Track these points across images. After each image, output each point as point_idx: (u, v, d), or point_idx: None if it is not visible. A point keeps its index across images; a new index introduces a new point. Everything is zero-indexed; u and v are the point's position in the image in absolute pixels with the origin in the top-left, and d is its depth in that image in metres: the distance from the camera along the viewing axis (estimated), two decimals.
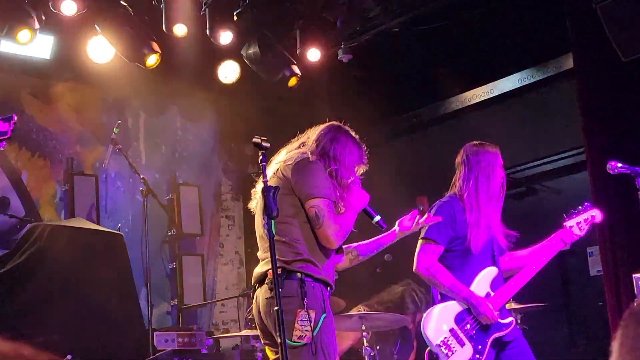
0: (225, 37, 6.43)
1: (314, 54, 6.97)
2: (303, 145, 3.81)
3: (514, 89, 6.87)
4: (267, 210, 3.36)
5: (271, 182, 3.58)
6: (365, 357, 4.84)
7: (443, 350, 4.08)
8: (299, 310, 3.44)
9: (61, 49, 6.90)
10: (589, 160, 5.91)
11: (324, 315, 3.51)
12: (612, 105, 5.98)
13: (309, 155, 3.71)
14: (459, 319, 4.16)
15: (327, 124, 3.93)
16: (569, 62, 6.33)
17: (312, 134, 3.86)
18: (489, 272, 4.23)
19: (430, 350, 4.14)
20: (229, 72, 7.33)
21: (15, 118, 3.80)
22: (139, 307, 6.33)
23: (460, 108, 7.28)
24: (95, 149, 7.59)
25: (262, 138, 3.59)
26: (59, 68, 7.22)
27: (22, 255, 5.62)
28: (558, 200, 6.94)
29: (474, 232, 4.22)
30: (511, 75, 6.86)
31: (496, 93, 7.00)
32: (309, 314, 3.43)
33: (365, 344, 4.90)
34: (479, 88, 7.13)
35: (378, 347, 5.38)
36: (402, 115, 7.84)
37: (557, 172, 6.91)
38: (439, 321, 4.16)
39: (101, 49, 6.60)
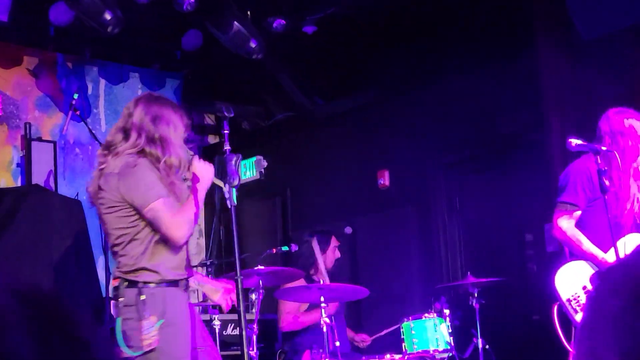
0: (188, 3, 6.36)
1: (278, 25, 6.92)
2: (124, 138, 3.62)
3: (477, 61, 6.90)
4: (229, 178, 3.36)
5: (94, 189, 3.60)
6: (324, 327, 4.86)
7: (572, 305, 4.16)
8: (142, 321, 3.41)
9: (20, 11, 6.76)
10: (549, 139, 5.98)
11: (162, 321, 3.44)
12: (572, 83, 6.04)
13: (130, 157, 3.56)
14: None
15: (140, 101, 3.71)
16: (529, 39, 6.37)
17: (133, 116, 3.63)
18: (633, 238, 4.29)
19: (559, 305, 4.19)
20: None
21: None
22: (97, 275, 6.29)
23: (423, 80, 7.28)
24: (54, 114, 7.49)
25: (224, 106, 3.58)
26: (18, 31, 7.08)
27: None
28: None
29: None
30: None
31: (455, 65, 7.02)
32: (150, 321, 3.41)
33: (324, 315, 4.92)
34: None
35: (334, 318, 5.40)
36: (365, 87, 7.83)
37: None
38: (571, 277, 4.24)
39: (61, 13, 6.48)
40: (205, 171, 3.63)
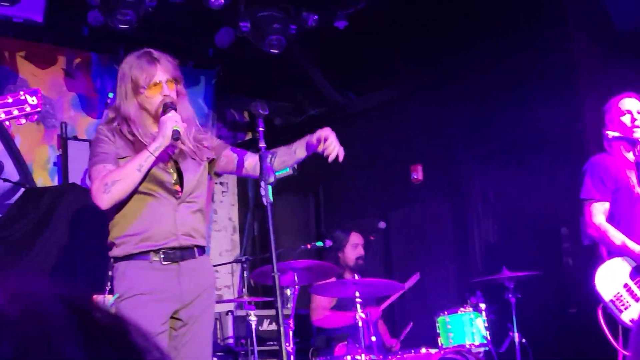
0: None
1: (310, 20, 6.93)
2: None
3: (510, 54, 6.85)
4: (264, 176, 3.38)
5: None
6: (360, 322, 4.87)
7: (617, 305, 4.15)
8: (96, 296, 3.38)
9: (54, 12, 6.84)
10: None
11: (116, 296, 3.38)
12: (608, 75, 5.99)
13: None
14: (634, 274, 4.21)
15: None
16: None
17: None
18: None
19: (603, 307, 4.18)
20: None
21: (41, 92, 3.73)
22: None
23: (456, 72, 7.25)
24: (90, 113, 7.56)
25: (259, 104, 3.59)
26: (53, 32, 7.16)
27: (23, 220, 5.63)
28: None
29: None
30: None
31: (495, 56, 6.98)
32: (105, 300, 3.38)
33: (360, 310, 4.92)
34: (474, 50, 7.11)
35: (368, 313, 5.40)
36: (397, 81, 7.81)
37: None
38: (611, 277, 4.22)
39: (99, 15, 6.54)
40: (163, 124, 3.47)
